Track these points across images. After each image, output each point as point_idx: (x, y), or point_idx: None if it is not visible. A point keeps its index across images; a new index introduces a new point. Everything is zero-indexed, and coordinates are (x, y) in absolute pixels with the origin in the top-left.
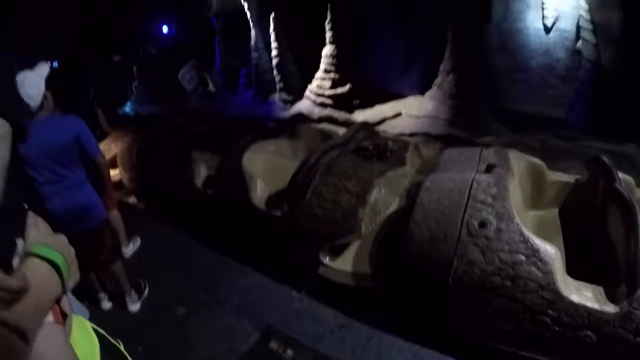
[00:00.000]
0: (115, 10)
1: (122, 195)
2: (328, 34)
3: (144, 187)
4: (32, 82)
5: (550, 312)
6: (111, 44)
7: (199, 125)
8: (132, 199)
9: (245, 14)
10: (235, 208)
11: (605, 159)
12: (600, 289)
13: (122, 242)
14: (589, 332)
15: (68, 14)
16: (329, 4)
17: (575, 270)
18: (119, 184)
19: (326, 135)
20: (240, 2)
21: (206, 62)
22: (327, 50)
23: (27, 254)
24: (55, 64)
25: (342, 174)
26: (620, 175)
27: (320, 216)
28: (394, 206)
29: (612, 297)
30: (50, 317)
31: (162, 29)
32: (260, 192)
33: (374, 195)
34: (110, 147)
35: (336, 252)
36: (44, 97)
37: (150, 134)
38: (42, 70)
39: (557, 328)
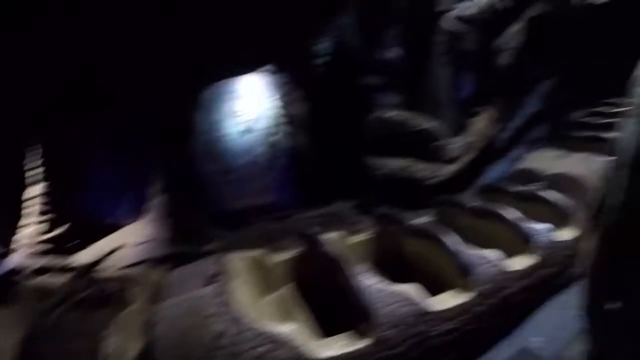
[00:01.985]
0: None
1: None
2: (33, 173)
3: None
4: None
5: None
6: None
7: None
8: None
9: None
10: None
11: (303, 234)
12: (350, 333)
13: None
14: None
15: None
16: (43, 146)
17: (329, 326)
18: None
19: (46, 292)
20: None
21: None
22: (35, 191)
23: None
24: None
25: (71, 335)
26: (327, 235)
27: None
28: (136, 347)
29: (362, 335)
30: None
31: None
32: None
33: (112, 345)
34: None
35: None
36: None
37: None
38: None
39: None
